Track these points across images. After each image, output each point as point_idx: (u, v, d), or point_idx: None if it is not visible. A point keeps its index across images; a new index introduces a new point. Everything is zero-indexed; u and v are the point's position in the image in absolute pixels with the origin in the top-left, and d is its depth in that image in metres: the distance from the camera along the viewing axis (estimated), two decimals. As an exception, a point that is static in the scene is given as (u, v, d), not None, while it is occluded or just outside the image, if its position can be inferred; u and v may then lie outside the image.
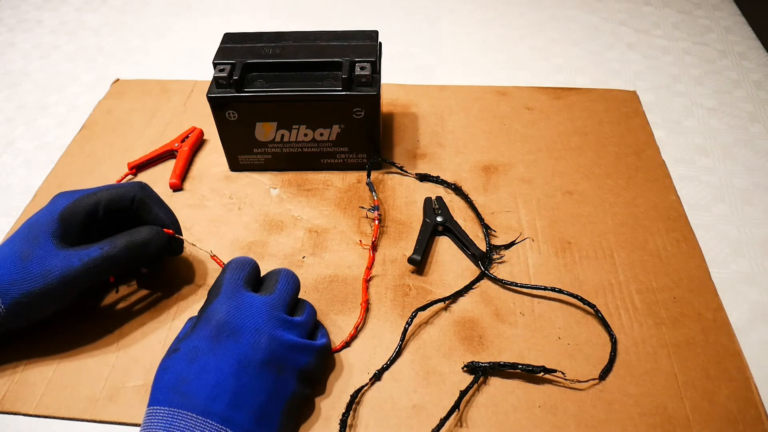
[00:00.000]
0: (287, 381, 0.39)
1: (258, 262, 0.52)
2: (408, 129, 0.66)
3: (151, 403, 0.36)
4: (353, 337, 0.47)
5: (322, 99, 0.53)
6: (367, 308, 0.48)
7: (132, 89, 0.72)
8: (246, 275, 0.42)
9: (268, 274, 0.44)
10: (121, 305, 0.49)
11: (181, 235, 0.48)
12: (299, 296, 0.46)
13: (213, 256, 0.48)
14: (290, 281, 0.43)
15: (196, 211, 0.57)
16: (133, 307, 0.49)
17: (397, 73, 0.73)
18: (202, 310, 0.41)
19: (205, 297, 0.43)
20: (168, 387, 0.36)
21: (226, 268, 0.43)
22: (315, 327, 0.45)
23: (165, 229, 0.46)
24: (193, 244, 0.48)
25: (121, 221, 0.46)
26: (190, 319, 0.42)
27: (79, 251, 0.42)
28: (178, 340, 0.39)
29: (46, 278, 0.40)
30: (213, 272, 0.52)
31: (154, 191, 0.47)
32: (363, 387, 0.43)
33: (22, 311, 0.41)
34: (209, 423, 0.35)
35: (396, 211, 0.57)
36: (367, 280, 0.50)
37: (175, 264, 0.52)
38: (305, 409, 0.42)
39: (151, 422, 0.35)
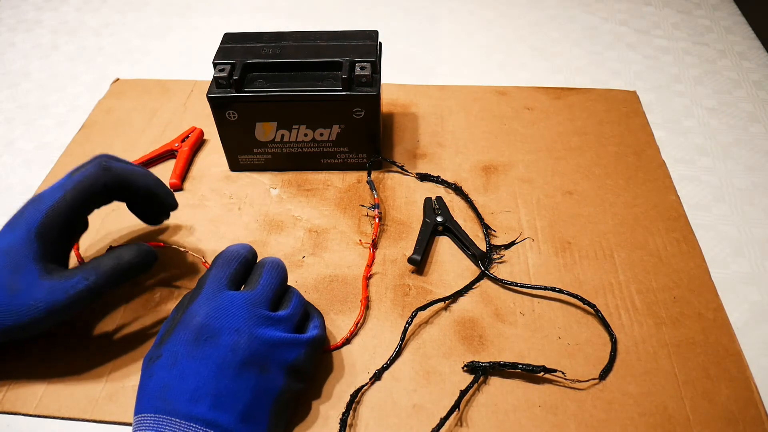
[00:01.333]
0: (274, 378, 0.38)
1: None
2: (408, 129, 0.66)
3: (138, 411, 0.36)
4: (353, 334, 0.47)
5: (322, 99, 0.53)
6: (367, 305, 0.48)
7: (132, 89, 0.72)
8: (232, 272, 0.41)
9: (255, 266, 0.43)
10: (120, 305, 0.49)
11: (171, 193, 0.48)
12: (289, 285, 0.45)
13: (204, 263, 0.48)
14: (274, 274, 0.42)
15: (196, 211, 0.57)
16: (133, 307, 0.49)
17: (397, 73, 0.73)
18: (181, 308, 0.40)
19: None
20: (152, 394, 0.36)
21: (212, 265, 0.42)
22: (306, 318, 0.43)
23: (151, 243, 0.46)
24: (182, 248, 0.48)
25: (104, 203, 0.45)
26: (166, 321, 0.41)
27: (64, 282, 0.40)
28: (156, 345, 0.39)
29: (31, 312, 0.39)
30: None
31: (118, 163, 0.45)
32: (363, 387, 0.43)
33: (9, 336, 0.40)
34: (193, 426, 0.34)
35: (396, 211, 0.57)
36: (367, 278, 0.50)
37: (176, 264, 0.52)
38: (300, 405, 0.42)
39: (139, 429, 0.35)
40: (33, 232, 0.41)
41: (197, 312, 0.38)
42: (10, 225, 0.42)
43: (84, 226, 0.46)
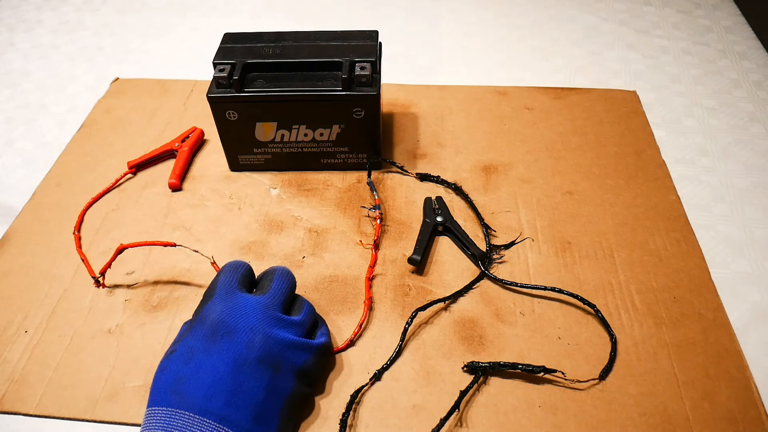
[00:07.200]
0: (285, 380, 0.39)
1: (258, 262, 0.52)
2: (408, 129, 0.66)
3: (149, 404, 0.36)
4: (357, 336, 0.47)
5: (322, 99, 0.53)
6: (370, 306, 0.48)
7: (132, 88, 0.72)
8: (240, 277, 0.42)
9: (263, 273, 0.44)
10: (120, 305, 0.49)
11: None
12: (298, 293, 0.45)
13: (213, 263, 0.48)
14: (285, 280, 0.43)
15: (196, 211, 0.57)
16: (134, 307, 0.49)
17: (397, 73, 0.73)
18: (196, 312, 0.41)
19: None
20: (166, 388, 0.36)
21: (220, 271, 0.43)
22: (314, 326, 0.44)
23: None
24: (195, 251, 0.48)
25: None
26: (185, 323, 0.42)
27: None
28: (175, 342, 0.40)
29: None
30: (213, 273, 0.52)
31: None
32: (363, 387, 0.43)
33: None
34: (206, 422, 0.35)
35: (396, 211, 0.57)
36: (370, 279, 0.50)
37: (175, 264, 0.52)
38: (305, 408, 0.42)
39: (150, 422, 0.35)
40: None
41: (212, 310, 0.39)
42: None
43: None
